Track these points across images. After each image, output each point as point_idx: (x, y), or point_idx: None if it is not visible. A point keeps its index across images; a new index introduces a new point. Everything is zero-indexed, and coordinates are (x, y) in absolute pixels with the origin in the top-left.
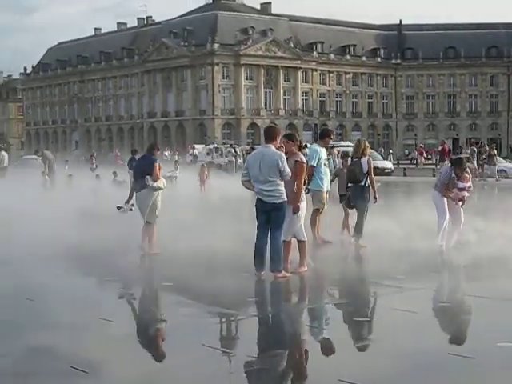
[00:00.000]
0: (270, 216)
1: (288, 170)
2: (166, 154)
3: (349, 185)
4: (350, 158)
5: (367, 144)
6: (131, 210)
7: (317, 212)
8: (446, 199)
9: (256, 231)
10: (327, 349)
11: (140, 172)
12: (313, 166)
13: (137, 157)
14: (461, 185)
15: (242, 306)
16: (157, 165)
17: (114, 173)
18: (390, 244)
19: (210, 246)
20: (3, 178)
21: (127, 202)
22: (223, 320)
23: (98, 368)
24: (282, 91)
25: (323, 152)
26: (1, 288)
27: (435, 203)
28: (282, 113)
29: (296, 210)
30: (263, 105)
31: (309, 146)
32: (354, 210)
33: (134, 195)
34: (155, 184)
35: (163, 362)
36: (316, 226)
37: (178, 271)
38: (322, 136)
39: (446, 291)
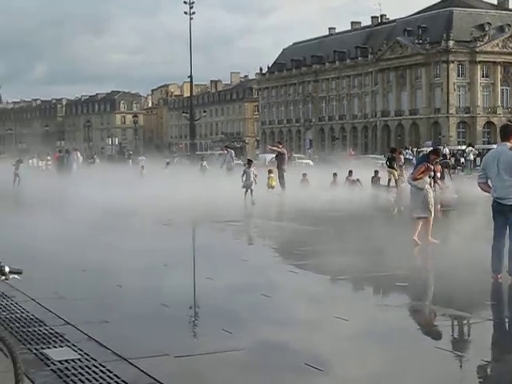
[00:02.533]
0: (508, 218)
1: None
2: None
3: None
4: None
5: None
6: None
7: None
8: None
9: (493, 233)
10: None
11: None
12: None
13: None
14: None
15: (478, 309)
16: (421, 166)
17: (350, 172)
18: None
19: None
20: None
21: None
22: (457, 323)
23: (332, 366)
24: None
25: None
26: (238, 284)
27: None
28: None
29: None
30: (500, 103)
31: None
32: None
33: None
34: (414, 182)
35: (396, 364)
36: None
37: (415, 272)
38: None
39: None
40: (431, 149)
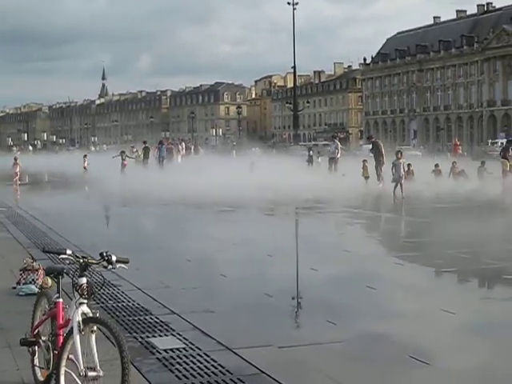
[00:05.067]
0: None
1: None
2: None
3: None
4: None
5: None
6: None
7: None
8: None
9: None
10: None
11: None
12: None
13: None
14: None
15: None
16: None
17: (454, 163)
18: None
19: None
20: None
21: None
22: None
23: (438, 360)
24: None
25: None
26: (343, 275)
27: None
28: None
29: None
30: None
31: None
32: None
33: None
34: None
35: (502, 358)
36: None
37: None
38: None
39: None
40: None
